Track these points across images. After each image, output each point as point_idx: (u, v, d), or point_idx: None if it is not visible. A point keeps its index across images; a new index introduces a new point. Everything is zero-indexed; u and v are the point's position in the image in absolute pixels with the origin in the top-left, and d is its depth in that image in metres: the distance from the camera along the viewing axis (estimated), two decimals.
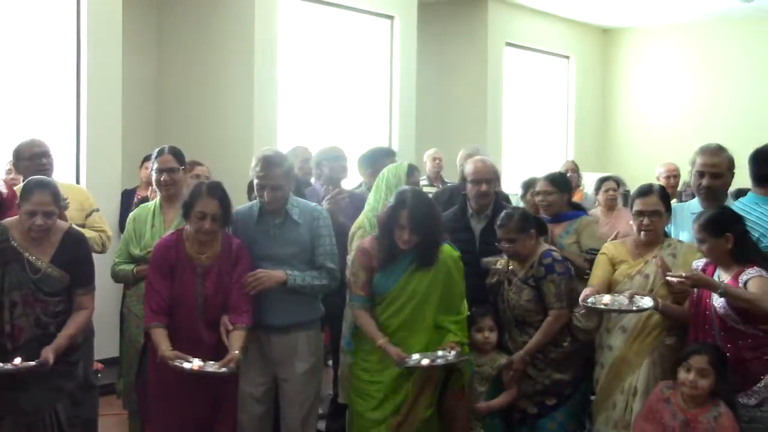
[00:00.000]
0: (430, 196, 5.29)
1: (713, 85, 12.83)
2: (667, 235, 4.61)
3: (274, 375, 4.51)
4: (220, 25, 8.47)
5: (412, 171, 5.10)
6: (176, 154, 4.98)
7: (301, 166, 6.06)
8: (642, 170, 10.32)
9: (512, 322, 4.65)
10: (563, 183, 5.46)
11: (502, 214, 4.71)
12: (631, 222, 4.54)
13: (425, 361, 4.17)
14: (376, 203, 4.88)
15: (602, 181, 7.42)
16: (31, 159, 5.02)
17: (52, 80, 7.27)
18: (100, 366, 5.82)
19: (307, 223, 4.45)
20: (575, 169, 8.59)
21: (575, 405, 4.62)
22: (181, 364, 4.10)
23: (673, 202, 6.83)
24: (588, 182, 9.00)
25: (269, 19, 8.48)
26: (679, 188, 7.66)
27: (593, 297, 4.28)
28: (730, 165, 4.71)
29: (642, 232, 4.46)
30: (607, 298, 4.26)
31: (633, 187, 7.61)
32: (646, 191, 4.53)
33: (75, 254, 4.28)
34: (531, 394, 4.61)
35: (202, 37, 8.53)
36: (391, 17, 10.08)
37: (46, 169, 4.96)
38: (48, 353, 4.06)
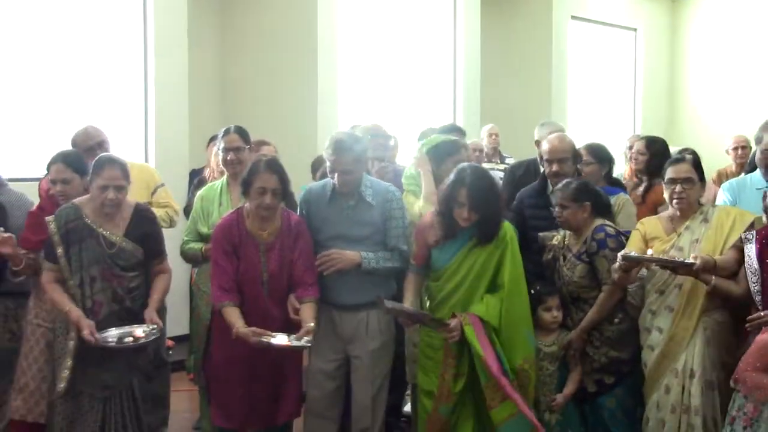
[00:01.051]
0: (505, 170, 5.19)
1: None
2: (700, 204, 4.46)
3: (345, 352, 4.55)
4: (282, 4, 8.53)
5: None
6: (242, 133, 5.05)
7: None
8: (712, 142, 10.13)
9: (568, 299, 4.59)
10: (603, 154, 5.26)
11: (564, 181, 4.65)
12: (665, 194, 4.42)
13: (394, 305, 4.21)
14: (409, 173, 4.99)
15: (678, 153, 7.25)
16: (88, 151, 5.10)
17: (121, 61, 7.42)
18: (171, 343, 5.94)
19: (380, 204, 4.47)
20: None
21: (634, 383, 4.52)
22: (268, 341, 4.15)
23: (743, 175, 6.72)
24: None
25: (331, 2, 8.51)
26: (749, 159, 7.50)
27: (633, 251, 4.20)
28: None
29: (674, 201, 4.33)
30: (649, 252, 4.19)
31: (704, 161, 7.51)
32: (678, 159, 4.44)
33: (146, 228, 4.40)
34: (589, 372, 4.54)
35: (265, 17, 8.60)
36: None
37: None
38: (153, 317, 4.23)
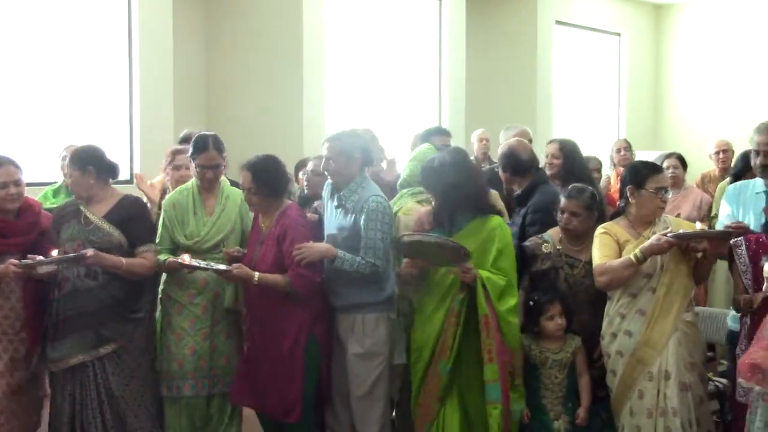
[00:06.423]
0: None
1: None
2: None
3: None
4: (268, 12, 8.52)
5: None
6: (219, 147, 4.80)
7: None
8: (696, 148, 10.17)
9: (585, 305, 4.56)
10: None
11: (574, 187, 4.65)
12: (648, 203, 4.39)
13: (418, 237, 4.27)
14: (406, 176, 4.99)
15: (665, 158, 7.22)
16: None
17: (105, 63, 7.40)
18: None
19: (355, 212, 4.48)
20: (628, 147, 8.47)
21: None
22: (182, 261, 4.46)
23: (727, 180, 6.74)
24: None
25: (317, 4, 8.51)
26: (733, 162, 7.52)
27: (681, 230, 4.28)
28: None
29: (660, 208, 4.38)
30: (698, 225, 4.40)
31: (688, 165, 7.54)
32: (661, 168, 4.62)
33: (130, 213, 4.51)
34: (597, 379, 4.51)
35: (250, 18, 8.61)
36: None
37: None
38: (90, 250, 4.27)
